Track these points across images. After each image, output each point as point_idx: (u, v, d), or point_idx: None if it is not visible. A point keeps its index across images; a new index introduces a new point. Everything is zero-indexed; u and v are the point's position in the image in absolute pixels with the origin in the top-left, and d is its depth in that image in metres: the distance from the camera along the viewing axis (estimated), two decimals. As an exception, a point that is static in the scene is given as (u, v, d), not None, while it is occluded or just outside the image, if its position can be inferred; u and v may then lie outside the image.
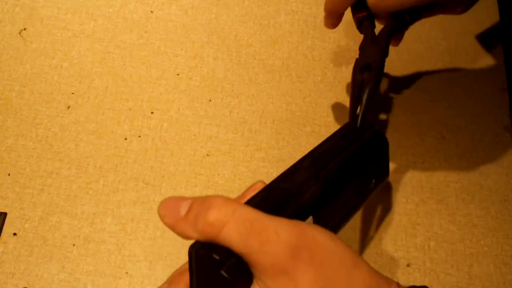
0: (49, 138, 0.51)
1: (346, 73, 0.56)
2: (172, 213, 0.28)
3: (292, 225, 0.28)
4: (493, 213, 0.50)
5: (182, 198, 0.29)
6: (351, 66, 0.57)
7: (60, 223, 0.47)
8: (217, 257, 0.27)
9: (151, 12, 0.58)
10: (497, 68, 0.57)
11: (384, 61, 0.44)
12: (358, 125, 0.41)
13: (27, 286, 0.44)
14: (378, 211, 0.49)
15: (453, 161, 0.52)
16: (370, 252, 0.47)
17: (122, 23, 0.58)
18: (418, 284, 0.46)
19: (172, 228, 0.28)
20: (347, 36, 0.58)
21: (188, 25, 0.58)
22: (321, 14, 0.59)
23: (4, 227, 0.47)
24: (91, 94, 0.53)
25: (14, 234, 0.46)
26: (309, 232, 0.28)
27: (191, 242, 0.29)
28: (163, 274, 0.45)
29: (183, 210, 0.28)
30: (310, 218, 0.34)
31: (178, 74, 0.55)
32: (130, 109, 0.53)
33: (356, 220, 0.48)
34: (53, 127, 0.52)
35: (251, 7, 0.59)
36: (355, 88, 0.43)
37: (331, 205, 0.36)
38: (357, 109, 0.42)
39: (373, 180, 0.40)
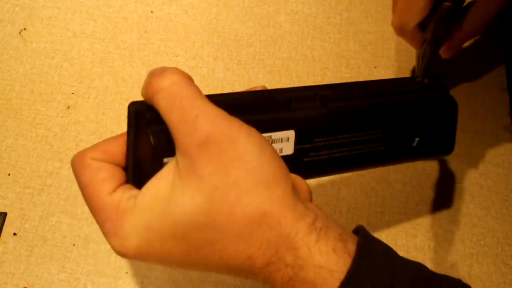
0: (49, 138, 0.51)
1: (346, 73, 0.56)
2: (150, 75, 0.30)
3: (220, 117, 0.28)
4: (493, 213, 0.50)
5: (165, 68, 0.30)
6: (351, 66, 0.57)
7: (60, 223, 0.47)
8: (147, 117, 0.29)
9: (151, 12, 0.58)
10: (497, 68, 0.57)
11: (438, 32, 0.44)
12: (418, 77, 0.40)
13: (27, 286, 0.44)
14: (378, 211, 0.49)
15: (453, 161, 0.52)
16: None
17: (122, 23, 0.58)
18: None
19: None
20: (347, 36, 0.58)
21: (188, 25, 0.58)
22: (321, 14, 0.59)
23: (4, 227, 0.47)
24: (91, 94, 0.53)
25: (14, 234, 0.46)
26: (233, 132, 0.28)
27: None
28: (163, 274, 0.45)
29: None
30: (292, 132, 0.33)
31: (178, 74, 0.55)
32: (130, 109, 0.53)
33: (355, 220, 0.48)
34: (53, 127, 0.52)
35: (251, 7, 0.59)
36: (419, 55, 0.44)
37: (330, 136, 0.35)
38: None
39: (417, 139, 0.39)
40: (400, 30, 0.48)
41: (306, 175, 0.35)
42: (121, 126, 0.52)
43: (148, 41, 0.57)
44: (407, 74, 0.56)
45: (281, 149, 0.33)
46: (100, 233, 0.45)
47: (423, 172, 0.51)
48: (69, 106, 0.53)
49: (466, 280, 0.46)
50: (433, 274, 0.30)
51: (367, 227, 0.48)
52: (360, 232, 0.30)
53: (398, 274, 0.29)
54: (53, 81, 0.54)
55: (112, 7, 0.58)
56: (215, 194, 0.27)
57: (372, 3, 0.60)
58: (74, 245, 0.46)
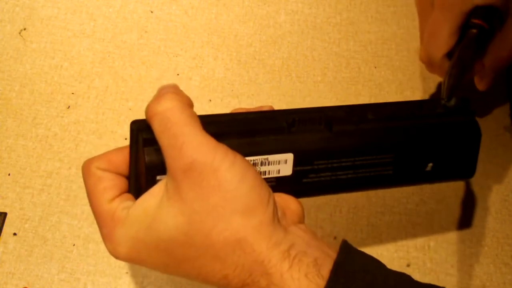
0: (49, 138, 0.51)
1: (346, 73, 0.56)
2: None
3: (206, 146, 0.30)
4: (493, 213, 0.50)
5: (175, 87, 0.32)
6: (351, 66, 0.57)
7: (60, 223, 0.47)
8: (144, 136, 0.31)
9: (151, 12, 0.58)
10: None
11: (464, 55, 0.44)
12: (444, 97, 0.39)
13: (27, 286, 0.44)
14: (378, 211, 0.49)
15: (453, 161, 0.52)
16: (370, 253, 0.47)
17: (122, 23, 0.58)
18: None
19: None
20: (347, 36, 0.58)
21: (188, 25, 0.58)
22: (321, 14, 0.59)
23: (4, 227, 0.47)
24: (91, 94, 0.53)
25: (14, 234, 0.46)
26: (216, 161, 0.29)
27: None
28: (163, 274, 0.45)
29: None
30: (290, 155, 0.33)
31: (178, 74, 0.55)
32: (130, 109, 0.53)
33: (355, 220, 0.48)
34: (53, 127, 0.52)
35: (251, 7, 0.59)
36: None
37: (332, 160, 0.35)
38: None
39: (430, 164, 0.37)
40: (429, 64, 0.47)
41: (305, 195, 0.35)
42: (121, 126, 0.52)
43: (148, 41, 0.57)
44: (407, 74, 0.56)
45: (279, 171, 0.34)
46: (100, 234, 0.45)
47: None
48: (69, 106, 0.53)
49: (466, 280, 0.46)
50: (415, 284, 0.31)
51: (367, 227, 0.48)
52: (340, 250, 0.31)
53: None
54: (53, 81, 0.54)
55: (112, 7, 0.58)
56: (195, 217, 0.29)
57: (372, 3, 0.60)
58: (74, 245, 0.46)
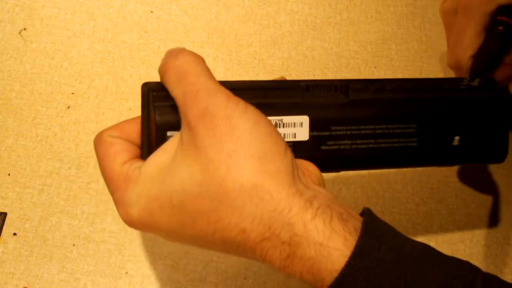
0: (49, 138, 0.51)
1: (346, 73, 0.56)
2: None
3: (220, 93, 0.30)
4: (493, 213, 0.50)
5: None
6: (351, 66, 0.57)
7: (60, 223, 0.47)
8: (154, 94, 0.32)
9: (151, 12, 0.59)
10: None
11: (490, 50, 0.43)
12: (467, 77, 0.39)
13: (27, 286, 0.44)
14: (379, 211, 0.49)
15: (453, 161, 0.52)
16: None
17: (122, 23, 0.58)
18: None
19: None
20: (347, 36, 0.58)
21: (188, 25, 0.58)
22: (321, 14, 0.59)
23: (4, 227, 0.47)
24: (91, 94, 0.53)
25: (14, 234, 0.46)
26: (229, 108, 0.29)
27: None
28: (163, 274, 0.45)
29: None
30: (306, 117, 0.33)
31: (178, 74, 0.55)
32: (130, 109, 0.53)
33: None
34: (53, 127, 0.52)
35: (251, 7, 0.59)
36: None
37: (351, 126, 0.34)
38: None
39: (457, 137, 0.37)
40: (456, 68, 0.46)
41: (326, 165, 0.33)
42: (121, 126, 0.52)
43: (148, 41, 0.57)
44: (407, 74, 0.56)
45: (295, 134, 0.33)
46: (100, 233, 0.46)
47: (423, 172, 0.51)
48: (69, 106, 0.53)
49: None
50: (439, 253, 0.30)
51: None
52: (365, 213, 0.30)
53: (405, 250, 0.29)
54: (53, 81, 0.54)
55: (112, 7, 0.58)
56: (209, 165, 0.28)
57: (372, 3, 0.60)
58: (74, 245, 0.46)
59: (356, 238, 0.28)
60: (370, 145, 0.35)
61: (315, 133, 0.33)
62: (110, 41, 0.56)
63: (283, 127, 0.33)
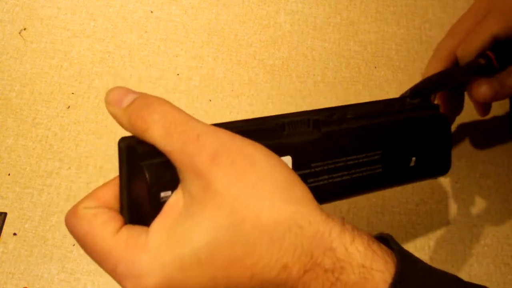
0: (49, 138, 0.51)
1: (346, 73, 0.56)
2: (115, 102, 0.29)
3: (222, 132, 0.28)
4: (493, 213, 0.50)
5: (129, 91, 0.29)
6: (351, 66, 0.57)
7: (60, 223, 0.47)
8: (140, 151, 0.28)
9: (151, 12, 0.59)
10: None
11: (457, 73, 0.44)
12: (408, 95, 0.40)
13: (27, 286, 0.44)
14: (378, 211, 0.49)
15: (453, 161, 0.52)
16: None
17: (122, 23, 0.58)
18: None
19: (113, 116, 0.29)
20: (347, 36, 0.58)
21: (188, 25, 0.58)
22: (321, 14, 0.59)
23: (4, 227, 0.47)
24: (91, 94, 0.53)
25: (14, 234, 0.46)
26: (239, 143, 0.28)
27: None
28: (163, 274, 0.45)
29: (126, 101, 0.29)
30: (289, 158, 0.33)
31: (178, 74, 0.55)
32: (130, 109, 0.53)
33: (355, 221, 0.48)
34: (53, 127, 0.52)
35: (251, 7, 0.59)
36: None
37: (327, 160, 0.35)
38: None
39: (414, 158, 0.38)
40: (440, 52, 0.46)
41: None
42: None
43: (148, 41, 0.57)
44: (407, 74, 0.56)
45: None
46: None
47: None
48: (69, 106, 0.53)
49: (466, 280, 0.46)
50: (466, 282, 0.30)
51: (367, 227, 0.48)
52: (389, 238, 0.30)
53: (440, 279, 0.29)
54: (53, 81, 0.54)
55: (112, 7, 0.58)
56: (236, 204, 0.26)
57: (372, 3, 0.60)
58: (74, 245, 0.46)
59: (394, 261, 0.28)
60: (344, 177, 0.36)
61: (297, 172, 0.33)
62: (110, 41, 0.56)
63: None
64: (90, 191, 0.49)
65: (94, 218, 0.28)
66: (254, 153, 0.28)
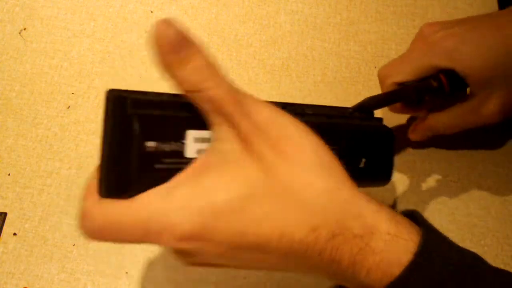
0: (49, 138, 0.51)
1: (346, 73, 0.56)
2: (167, 40, 0.27)
3: (262, 104, 0.29)
4: (493, 213, 0.50)
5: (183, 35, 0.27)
6: (351, 66, 0.57)
7: (60, 223, 0.47)
8: (129, 101, 0.28)
9: (151, 12, 0.59)
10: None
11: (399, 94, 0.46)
12: (351, 109, 0.42)
13: (27, 286, 0.44)
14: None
15: (453, 161, 0.52)
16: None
17: (122, 23, 0.58)
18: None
19: (161, 55, 0.27)
20: (347, 36, 0.58)
21: (188, 25, 0.58)
22: (321, 14, 0.59)
23: (4, 227, 0.47)
24: (91, 94, 0.53)
25: (14, 234, 0.46)
26: (279, 118, 0.29)
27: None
28: (163, 274, 0.45)
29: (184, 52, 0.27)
30: None
31: (178, 74, 0.55)
32: (130, 109, 0.53)
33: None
34: (53, 127, 0.52)
35: (251, 7, 0.59)
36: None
37: None
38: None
39: (364, 160, 0.40)
40: (381, 77, 0.48)
41: None
42: (121, 126, 0.52)
43: (148, 41, 0.57)
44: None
45: None
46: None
47: (423, 172, 0.51)
48: (69, 106, 0.53)
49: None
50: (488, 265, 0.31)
51: (367, 227, 0.48)
52: (415, 212, 0.31)
53: (463, 253, 0.30)
54: (53, 81, 0.54)
55: (112, 7, 0.58)
56: (272, 166, 0.27)
57: (372, 3, 0.60)
58: (74, 245, 0.46)
59: (417, 231, 0.29)
60: None
61: None
62: (110, 41, 0.56)
63: None
64: (90, 191, 0.49)
65: (105, 206, 0.28)
66: (296, 129, 0.29)
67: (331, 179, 0.28)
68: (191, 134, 0.30)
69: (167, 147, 0.29)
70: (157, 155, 0.29)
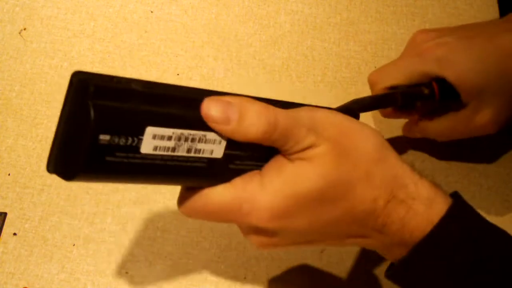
0: (49, 138, 0.51)
1: (346, 73, 0.56)
2: (223, 121, 0.32)
3: (321, 111, 0.35)
4: (493, 213, 0.49)
5: (229, 104, 0.33)
6: (351, 66, 0.57)
7: (60, 223, 0.47)
8: (92, 89, 0.28)
9: (151, 12, 0.59)
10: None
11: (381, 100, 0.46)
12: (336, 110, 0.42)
13: (27, 286, 0.45)
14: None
15: (453, 161, 0.52)
16: (370, 252, 0.47)
17: (122, 23, 0.58)
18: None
19: (228, 134, 0.32)
20: (347, 36, 0.58)
21: (188, 25, 0.58)
22: (321, 14, 0.60)
23: (4, 227, 0.47)
24: (91, 94, 0.53)
25: (14, 234, 0.46)
26: (344, 123, 0.35)
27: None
28: (163, 274, 0.45)
29: (233, 115, 0.32)
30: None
31: (178, 74, 0.55)
32: (130, 109, 0.53)
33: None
34: (53, 127, 0.51)
35: (251, 7, 0.59)
36: None
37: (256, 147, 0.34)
38: None
39: None
40: (371, 82, 0.48)
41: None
42: (121, 126, 0.52)
43: (148, 41, 0.57)
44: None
45: (212, 151, 0.32)
46: (100, 233, 0.45)
47: (423, 172, 0.51)
48: (69, 106, 0.53)
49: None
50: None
51: (367, 227, 0.48)
52: (454, 193, 0.37)
53: (488, 224, 0.37)
54: (53, 81, 0.54)
55: (112, 7, 0.58)
56: (340, 160, 0.33)
57: (372, 3, 0.60)
58: (74, 245, 0.46)
59: (449, 199, 0.35)
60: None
61: (228, 151, 0.33)
62: (110, 41, 0.56)
63: (206, 142, 0.32)
64: (90, 191, 0.49)
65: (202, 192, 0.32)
66: (350, 124, 0.35)
67: (386, 154, 0.35)
68: (151, 131, 0.29)
69: (122, 141, 0.28)
70: (110, 148, 0.28)
